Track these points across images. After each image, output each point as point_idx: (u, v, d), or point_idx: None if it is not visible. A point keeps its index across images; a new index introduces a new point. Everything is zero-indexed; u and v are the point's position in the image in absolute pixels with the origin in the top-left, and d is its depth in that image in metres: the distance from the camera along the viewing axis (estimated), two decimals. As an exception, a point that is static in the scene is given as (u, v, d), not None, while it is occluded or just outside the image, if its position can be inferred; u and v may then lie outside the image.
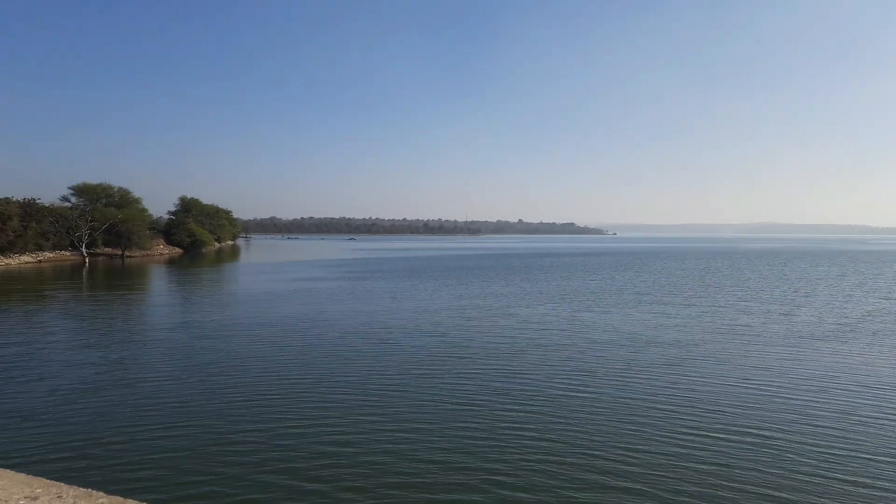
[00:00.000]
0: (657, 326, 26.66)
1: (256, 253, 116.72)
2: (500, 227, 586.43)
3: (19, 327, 25.80)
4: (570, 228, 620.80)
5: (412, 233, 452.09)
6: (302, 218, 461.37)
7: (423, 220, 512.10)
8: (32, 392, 15.46)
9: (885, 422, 13.39)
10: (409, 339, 23.27)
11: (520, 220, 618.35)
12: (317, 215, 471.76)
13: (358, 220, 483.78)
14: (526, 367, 18.62)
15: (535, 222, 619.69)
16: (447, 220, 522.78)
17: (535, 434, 12.41)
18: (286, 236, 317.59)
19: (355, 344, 22.14)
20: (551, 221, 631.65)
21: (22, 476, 1.57)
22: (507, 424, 13.04)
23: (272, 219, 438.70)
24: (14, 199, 75.86)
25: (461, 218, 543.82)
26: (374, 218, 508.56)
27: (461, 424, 13.03)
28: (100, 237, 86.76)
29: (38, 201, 79.67)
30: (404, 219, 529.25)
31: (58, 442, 11.82)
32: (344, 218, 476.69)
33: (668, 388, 16.22)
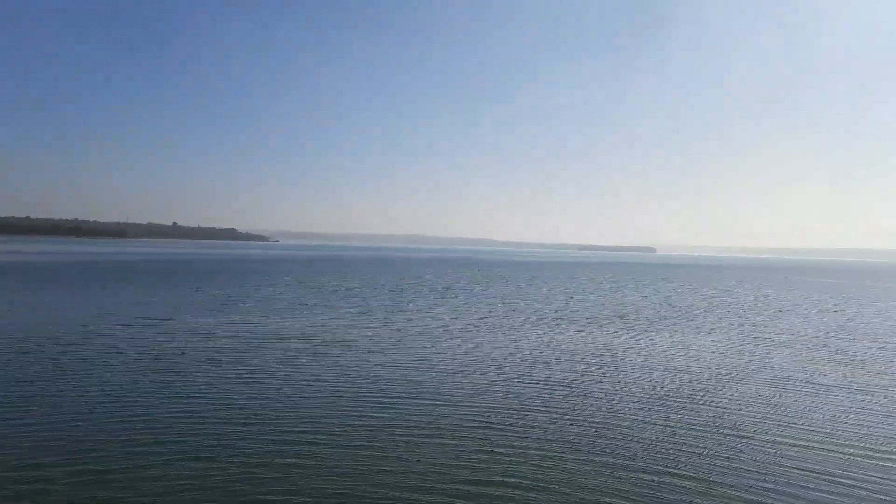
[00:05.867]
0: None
1: None
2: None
3: None
4: (231, 234, 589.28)
5: None
6: None
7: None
8: None
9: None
10: None
11: (175, 223, 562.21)
12: None
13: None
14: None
15: (193, 226, 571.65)
16: None
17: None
18: None
19: None
20: (210, 227, 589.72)
21: None
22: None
23: None
24: None
25: None
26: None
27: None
28: None
29: None
30: None
31: None
32: None
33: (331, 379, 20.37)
